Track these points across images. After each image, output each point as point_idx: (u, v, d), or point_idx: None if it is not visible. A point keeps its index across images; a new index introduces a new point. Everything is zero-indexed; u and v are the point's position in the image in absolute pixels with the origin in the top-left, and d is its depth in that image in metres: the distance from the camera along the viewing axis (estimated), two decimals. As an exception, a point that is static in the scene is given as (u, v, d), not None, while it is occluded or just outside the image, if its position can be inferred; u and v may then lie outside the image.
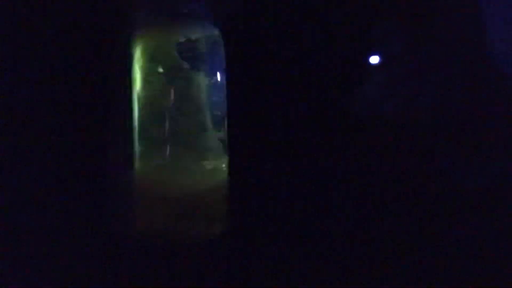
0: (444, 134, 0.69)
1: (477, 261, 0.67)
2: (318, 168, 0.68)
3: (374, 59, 0.73)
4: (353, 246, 0.66)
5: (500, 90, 0.72)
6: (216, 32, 0.50)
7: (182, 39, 0.52)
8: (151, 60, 0.52)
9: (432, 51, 0.71)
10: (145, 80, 0.52)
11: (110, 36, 0.59)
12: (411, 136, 0.69)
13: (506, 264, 0.68)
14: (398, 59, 0.70)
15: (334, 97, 0.68)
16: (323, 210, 0.68)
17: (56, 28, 0.61)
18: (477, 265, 0.68)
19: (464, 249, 0.68)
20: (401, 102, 0.69)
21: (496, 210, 0.70)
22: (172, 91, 0.53)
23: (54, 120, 0.60)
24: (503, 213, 0.71)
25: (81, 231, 0.62)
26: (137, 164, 0.51)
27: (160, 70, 0.53)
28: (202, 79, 0.54)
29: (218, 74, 0.54)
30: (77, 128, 0.62)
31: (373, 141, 0.68)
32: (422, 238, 0.68)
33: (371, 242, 0.66)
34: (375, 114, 0.68)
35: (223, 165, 0.53)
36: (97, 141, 0.60)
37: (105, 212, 0.60)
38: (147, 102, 0.52)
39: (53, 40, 0.61)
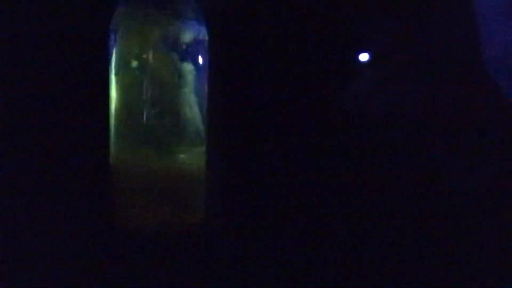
0: (437, 134, 0.70)
1: (473, 262, 0.68)
2: (302, 162, 0.68)
3: (364, 57, 0.74)
4: (341, 245, 0.66)
5: (496, 90, 0.73)
6: (201, 24, 0.50)
7: (167, 30, 0.50)
8: (133, 50, 0.50)
9: (425, 49, 0.72)
10: (126, 70, 0.51)
11: (88, 26, 0.58)
12: (404, 135, 0.70)
13: (503, 265, 0.68)
14: (389, 57, 0.71)
15: (323, 94, 0.69)
16: (308, 199, 0.69)
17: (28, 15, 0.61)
18: (473, 266, 0.68)
19: (459, 250, 0.69)
20: (394, 101, 0.71)
21: (491, 211, 0.71)
22: (154, 82, 0.51)
23: (29, 114, 0.60)
24: (498, 214, 0.71)
25: (68, 227, 0.62)
26: (113, 156, 0.51)
27: (141, 60, 0.51)
28: (188, 71, 0.53)
29: (204, 67, 0.53)
30: (59, 123, 0.62)
31: (363, 140, 0.70)
32: (415, 239, 0.68)
33: (361, 242, 0.67)
34: (367, 112, 0.69)
35: (203, 157, 0.53)
36: (76, 135, 0.60)
37: (89, 206, 0.60)
38: (127, 93, 0.50)
39: (25, 28, 0.60)
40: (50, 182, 0.68)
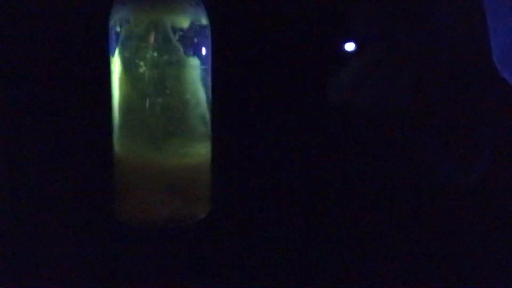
0: (425, 127, 0.69)
1: (470, 259, 0.67)
2: (302, 152, 0.69)
3: (350, 46, 0.73)
4: (333, 243, 0.66)
5: (486, 83, 0.72)
6: (204, 15, 0.49)
7: (170, 24, 0.49)
8: (135, 45, 0.49)
9: (413, 38, 0.71)
10: (129, 66, 0.50)
11: (87, 23, 0.58)
12: (393, 128, 0.69)
13: (501, 264, 0.67)
14: (376, 46, 0.70)
15: (314, 88, 0.69)
16: (308, 194, 0.69)
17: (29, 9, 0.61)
18: (470, 264, 0.67)
19: (453, 246, 0.68)
20: (382, 93, 0.70)
21: (482, 207, 0.70)
22: (158, 77, 0.50)
23: (33, 112, 0.60)
24: (489, 210, 0.70)
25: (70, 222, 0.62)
26: (118, 151, 0.50)
27: (144, 55, 0.50)
28: (193, 65, 0.52)
29: (208, 59, 0.53)
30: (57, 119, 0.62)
31: (351, 134, 0.69)
32: (407, 236, 0.67)
33: (353, 240, 0.66)
34: (354, 105, 0.68)
35: (209, 149, 0.53)
36: (77, 131, 0.60)
37: (91, 201, 0.61)
38: (131, 88, 0.49)
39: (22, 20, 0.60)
40: (56, 179, 0.68)
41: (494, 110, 0.75)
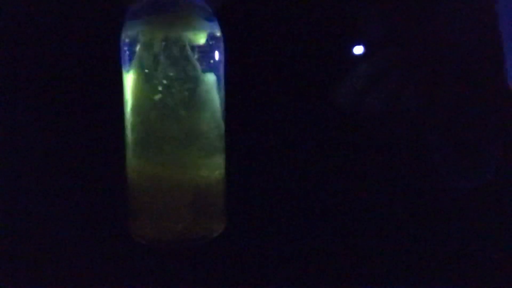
0: (431, 130, 0.69)
1: (472, 261, 0.68)
2: (313, 163, 0.68)
3: (359, 49, 0.72)
4: (336, 246, 0.66)
5: (492, 86, 0.72)
6: (217, 28, 0.48)
7: (183, 40, 0.48)
8: (149, 62, 0.49)
9: (423, 42, 0.71)
10: (143, 81, 0.49)
11: (98, 39, 0.57)
12: (400, 132, 0.69)
13: (502, 265, 0.68)
14: (384, 48, 0.70)
15: (325, 92, 0.68)
16: (321, 207, 0.69)
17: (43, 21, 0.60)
18: (472, 266, 0.68)
19: (451, 250, 0.69)
20: (388, 95, 0.69)
21: (490, 210, 0.71)
22: (177, 92, 0.49)
23: (46, 126, 0.59)
24: (491, 213, 0.71)
25: (78, 231, 0.61)
26: (131, 167, 0.49)
27: (158, 70, 0.49)
28: (207, 80, 0.51)
29: (221, 73, 0.52)
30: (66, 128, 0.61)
31: (359, 136, 0.69)
32: (406, 238, 0.68)
33: (354, 242, 0.67)
34: (361, 107, 0.68)
35: (222, 164, 0.52)
36: (86, 139, 0.59)
37: (100, 212, 0.60)
38: (145, 103, 0.48)
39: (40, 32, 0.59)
40: (68, 195, 0.68)
41: (503, 117, 0.75)
